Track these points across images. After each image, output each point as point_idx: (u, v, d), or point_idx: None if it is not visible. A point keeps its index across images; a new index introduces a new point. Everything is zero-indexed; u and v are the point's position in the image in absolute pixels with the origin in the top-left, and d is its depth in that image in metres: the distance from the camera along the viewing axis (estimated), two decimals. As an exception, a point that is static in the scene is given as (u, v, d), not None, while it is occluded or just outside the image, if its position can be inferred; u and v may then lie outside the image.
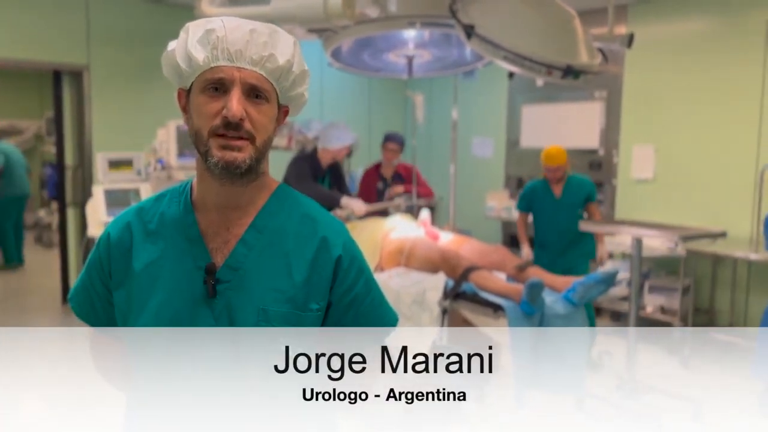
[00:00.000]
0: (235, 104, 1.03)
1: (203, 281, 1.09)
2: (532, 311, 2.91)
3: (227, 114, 1.03)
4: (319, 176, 4.40)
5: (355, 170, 5.58)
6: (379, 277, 3.25)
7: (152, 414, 1.11)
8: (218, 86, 1.05)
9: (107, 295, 1.17)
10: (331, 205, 4.12)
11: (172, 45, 1.10)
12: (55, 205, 7.92)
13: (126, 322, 1.13)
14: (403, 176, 4.77)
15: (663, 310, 4.98)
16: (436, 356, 3.50)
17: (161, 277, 1.11)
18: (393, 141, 4.76)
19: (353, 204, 4.16)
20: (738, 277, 5.02)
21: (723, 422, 3.68)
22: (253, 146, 1.07)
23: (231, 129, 1.04)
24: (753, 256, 4.45)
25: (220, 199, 1.12)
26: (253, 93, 1.06)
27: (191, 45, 1.06)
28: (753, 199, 4.87)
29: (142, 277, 1.11)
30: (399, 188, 4.63)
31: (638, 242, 3.75)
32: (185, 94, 1.11)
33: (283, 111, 1.16)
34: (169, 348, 1.09)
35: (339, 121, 4.55)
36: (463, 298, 3.13)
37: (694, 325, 4.90)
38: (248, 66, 1.05)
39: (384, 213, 4.45)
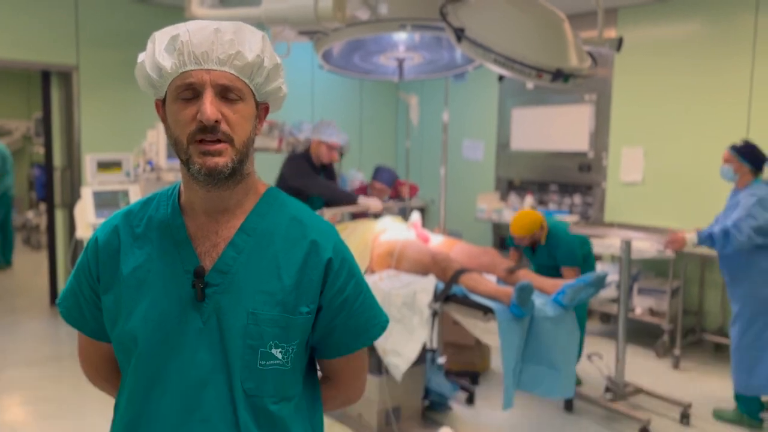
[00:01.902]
0: (208, 107, 1.02)
1: (192, 285, 1.08)
2: (521, 314, 2.92)
3: (201, 118, 1.02)
4: (316, 174, 4.39)
5: (346, 172, 5.58)
6: (370, 279, 3.25)
7: (140, 419, 1.10)
8: (190, 91, 1.04)
9: (95, 300, 1.16)
10: (346, 201, 4.12)
11: (141, 57, 1.09)
12: (43, 207, 7.87)
13: (114, 327, 1.12)
14: (390, 195, 4.76)
15: (652, 311, 5.00)
16: (433, 358, 3.46)
17: (149, 281, 1.10)
18: (380, 181, 4.59)
19: (370, 201, 4.15)
20: (726, 279, 5.06)
21: (714, 423, 3.70)
22: (233, 148, 1.05)
23: (207, 132, 1.03)
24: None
25: (207, 203, 1.11)
26: (226, 93, 1.05)
27: (158, 54, 1.05)
28: (741, 202, 4.90)
29: (130, 281, 1.11)
30: (404, 187, 4.61)
31: (627, 245, 3.78)
32: (162, 104, 1.10)
33: (263, 108, 1.14)
34: (156, 352, 1.08)
35: (324, 119, 4.55)
36: (453, 301, 3.13)
37: (683, 326, 4.92)
38: (216, 66, 1.04)
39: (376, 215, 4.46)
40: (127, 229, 1.15)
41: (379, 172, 4.67)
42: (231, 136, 1.05)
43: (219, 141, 1.04)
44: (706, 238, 3.49)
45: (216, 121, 1.02)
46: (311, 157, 4.36)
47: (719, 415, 3.75)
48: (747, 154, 3.62)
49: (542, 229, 3.85)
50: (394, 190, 4.78)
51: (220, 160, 1.04)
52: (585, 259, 3.96)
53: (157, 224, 1.14)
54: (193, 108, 1.03)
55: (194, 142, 1.04)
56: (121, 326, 1.11)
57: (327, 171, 4.53)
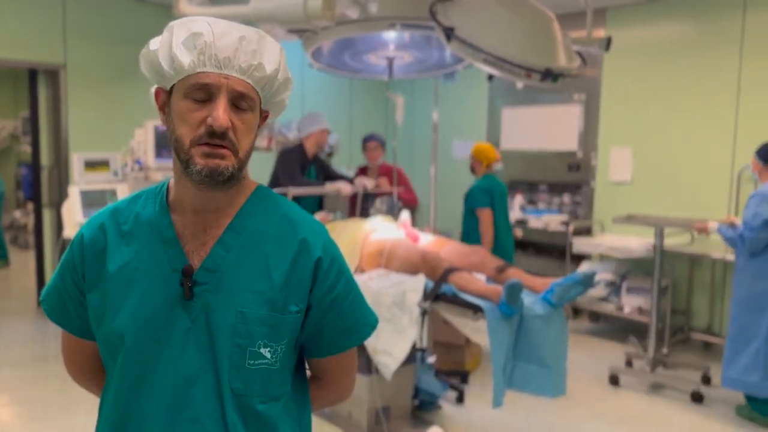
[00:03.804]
0: (222, 113, 1.01)
1: (180, 283, 1.07)
2: (511, 312, 2.92)
3: (213, 123, 1.01)
4: (306, 167, 4.52)
5: (337, 169, 5.59)
6: (359, 279, 3.24)
7: (127, 418, 1.09)
8: (203, 92, 1.03)
9: (80, 298, 1.14)
10: (319, 191, 4.32)
11: (154, 44, 1.06)
12: (30, 206, 7.80)
13: (101, 325, 1.11)
14: (381, 175, 4.79)
15: (640, 310, 5.03)
16: (423, 357, 3.44)
17: (136, 279, 1.09)
18: (372, 139, 4.86)
19: (340, 185, 4.28)
20: (715, 278, 5.09)
21: (705, 421, 3.73)
22: (236, 157, 1.05)
23: (215, 138, 1.02)
24: (729, 257, 4.51)
25: (198, 202, 1.10)
26: (239, 101, 1.04)
27: (176, 46, 1.03)
28: (729, 201, 4.94)
29: (117, 279, 1.09)
30: (383, 180, 4.63)
31: (660, 231, 4.12)
32: (164, 94, 1.09)
33: (263, 116, 1.14)
34: (143, 351, 1.07)
35: (311, 111, 4.77)
36: (442, 300, 3.13)
37: (672, 325, 4.95)
38: (236, 74, 1.03)
39: (365, 213, 4.46)
40: (114, 226, 1.13)
41: (368, 136, 4.91)
42: (236, 147, 1.04)
43: (223, 147, 1.03)
44: (728, 239, 3.73)
45: (226, 129, 1.02)
46: (305, 150, 4.47)
47: (739, 412, 3.82)
48: (761, 151, 3.72)
49: (480, 163, 4.58)
50: (385, 175, 4.80)
51: (222, 162, 1.03)
52: (494, 202, 4.53)
53: (144, 222, 1.12)
54: (204, 111, 1.02)
55: (198, 144, 1.03)
56: (107, 325, 1.09)
57: (317, 162, 4.64)
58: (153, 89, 1.11)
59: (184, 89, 1.04)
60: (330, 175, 4.64)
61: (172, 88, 1.06)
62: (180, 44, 1.03)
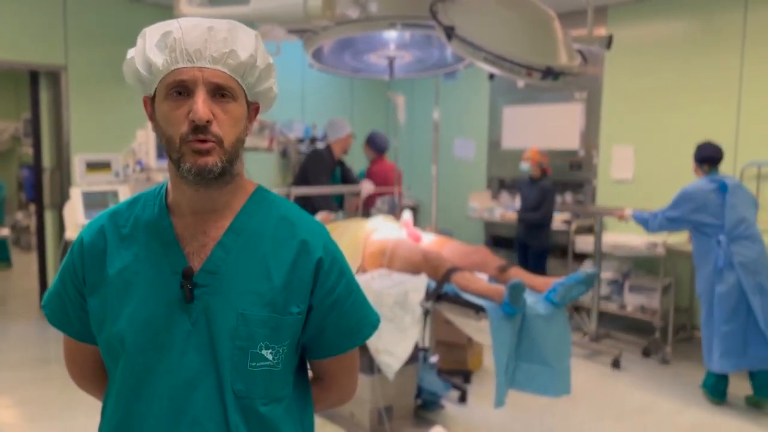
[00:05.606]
0: (201, 105, 1.01)
1: (180, 286, 1.07)
2: (513, 312, 2.91)
3: (194, 117, 1.00)
4: (333, 169, 4.91)
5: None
6: (361, 279, 3.24)
7: (128, 421, 1.09)
8: (181, 90, 1.02)
9: (81, 302, 1.14)
10: (344, 190, 4.83)
11: (131, 53, 1.07)
12: (33, 208, 7.81)
13: (101, 329, 1.11)
14: (370, 174, 5.17)
15: (643, 309, 5.02)
16: (425, 357, 3.42)
17: (136, 282, 1.08)
18: (369, 146, 5.22)
19: (364, 184, 4.75)
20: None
21: (704, 418, 3.72)
22: (222, 149, 1.04)
23: (199, 132, 1.02)
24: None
25: (195, 203, 1.10)
26: (219, 92, 1.04)
27: (149, 50, 1.03)
28: (730, 199, 4.92)
29: (117, 282, 1.09)
30: (368, 185, 4.86)
31: (600, 220, 4.28)
32: (150, 102, 1.09)
33: (253, 108, 1.13)
34: (144, 354, 1.07)
35: (335, 117, 5.24)
36: (445, 300, 3.13)
37: (674, 323, 4.94)
38: (209, 65, 1.03)
39: (366, 213, 4.49)
40: (114, 229, 1.13)
41: (371, 138, 5.23)
42: (221, 138, 1.03)
43: (208, 141, 1.02)
44: (641, 220, 4.10)
45: (208, 121, 1.01)
46: (333, 154, 4.89)
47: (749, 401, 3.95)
48: (695, 153, 3.98)
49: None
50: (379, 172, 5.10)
51: (210, 159, 1.03)
52: None
53: (144, 224, 1.12)
54: (185, 107, 1.02)
55: (187, 141, 1.02)
56: (108, 328, 1.09)
57: (341, 164, 5.03)
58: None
59: (164, 90, 1.04)
60: (350, 178, 5.04)
61: (155, 93, 1.06)
62: (153, 47, 1.03)
